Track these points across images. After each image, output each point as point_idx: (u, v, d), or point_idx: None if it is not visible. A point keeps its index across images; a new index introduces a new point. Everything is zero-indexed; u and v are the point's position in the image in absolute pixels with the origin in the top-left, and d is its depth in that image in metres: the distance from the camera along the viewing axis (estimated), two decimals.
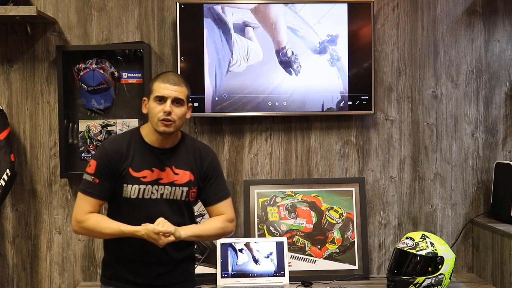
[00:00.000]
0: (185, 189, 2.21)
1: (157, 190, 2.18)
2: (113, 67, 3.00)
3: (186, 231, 2.16)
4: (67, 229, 3.05)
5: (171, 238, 2.09)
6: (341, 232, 3.04)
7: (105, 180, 2.15)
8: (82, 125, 3.04)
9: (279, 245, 2.91)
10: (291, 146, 3.13)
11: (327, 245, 3.03)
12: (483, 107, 3.15)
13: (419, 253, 2.65)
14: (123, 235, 2.12)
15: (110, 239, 2.20)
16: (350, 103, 3.02)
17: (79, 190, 2.18)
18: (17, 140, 3.04)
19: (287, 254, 2.90)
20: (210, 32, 2.96)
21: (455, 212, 3.15)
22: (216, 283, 2.84)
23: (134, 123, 3.01)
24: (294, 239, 3.02)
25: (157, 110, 2.14)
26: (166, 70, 3.04)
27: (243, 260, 2.88)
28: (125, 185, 2.16)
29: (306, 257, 3.01)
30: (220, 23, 2.97)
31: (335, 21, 3.00)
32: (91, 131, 3.03)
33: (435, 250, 2.65)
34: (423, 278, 2.63)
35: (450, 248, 2.75)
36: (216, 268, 2.88)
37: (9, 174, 2.84)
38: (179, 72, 2.91)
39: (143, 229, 2.09)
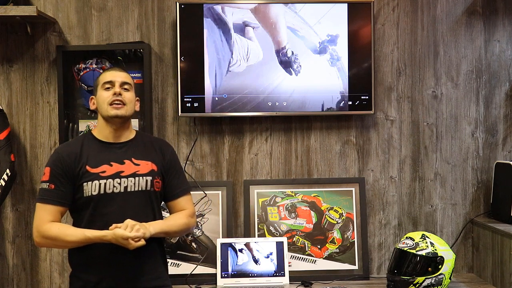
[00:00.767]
0: (149, 178, 2.16)
1: (119, 184, 2.12)
2: None
3: (154, 226, 2.09)
4: None
5: (141, 242, 2.02)
6: (341, 232, 3.04)
7: (61, 185, 2.10)
8: (82, 125, 3.04)
9: (279, 245, 2.90)
10: (291, 146, 3.13)
11: (327, 245, 3.03)
12: (483, 107, 3.15)
13: (419, 253, 2.65)
14: (89, 242, 2.04)
15: (75, 250, 2.12)
16: (350, 103, 3.02)
17: (36, 200, 2.13)
18: (17, 140, 3.04)
19: (287, 254, 2.90)
20: (210, 32, 2.96)
21: (455, 212, 3.15)
22: (216, 283, 2.84)
23: (133, 123, 3.00)
24: (294, 239, 3.02)
25: (106, 95, 2.14)
26: (166, 70, 3.05)
27: (243, 260, 2.88)
28: (85, 183, 2.10)
29: (306, 257, 3.01)
30: (220, 23, 2.97)
31: (335, 21, 3.00)
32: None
33: (435, 250, 2.65)
34: (423, 278, 2.62)
35: (450, 248, 2.75)
36: (216, 268, 2.88)
37: (9, 174, 2.84)
38: (179, 72, 2.92)
39: (110, 233, 2.01)
